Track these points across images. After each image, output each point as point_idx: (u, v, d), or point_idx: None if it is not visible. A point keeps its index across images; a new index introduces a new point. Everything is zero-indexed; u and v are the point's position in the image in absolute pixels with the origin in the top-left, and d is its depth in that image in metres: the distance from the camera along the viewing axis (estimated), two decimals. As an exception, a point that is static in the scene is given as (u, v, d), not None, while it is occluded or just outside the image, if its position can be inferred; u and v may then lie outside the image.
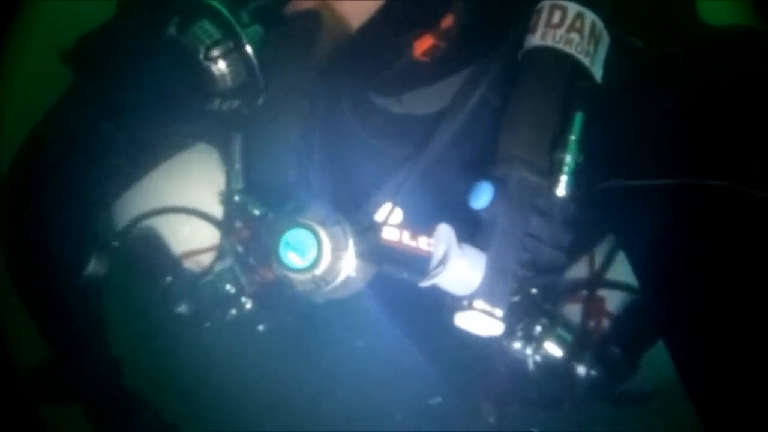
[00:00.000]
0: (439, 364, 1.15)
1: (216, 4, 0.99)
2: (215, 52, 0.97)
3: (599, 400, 1.10)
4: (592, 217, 0.98)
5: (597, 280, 1.06)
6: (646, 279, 0.92)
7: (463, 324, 0.92)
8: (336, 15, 0.99)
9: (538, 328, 1.00)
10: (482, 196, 0.91)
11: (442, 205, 0.97)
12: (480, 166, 0.94)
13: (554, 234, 0.91)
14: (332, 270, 0.98)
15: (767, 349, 0.78)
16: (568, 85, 0.89)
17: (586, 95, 0.90)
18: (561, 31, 0.89)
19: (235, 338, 1.24)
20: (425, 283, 0.93)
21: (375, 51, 0.98)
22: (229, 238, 1.19)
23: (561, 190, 0.90)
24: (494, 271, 0.89)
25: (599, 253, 1.08)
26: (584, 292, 1.07)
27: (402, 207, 1.04)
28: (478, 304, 0.91)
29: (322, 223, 0.98)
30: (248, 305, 1.20)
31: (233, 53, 0.98)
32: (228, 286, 1.20)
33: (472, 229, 0.93)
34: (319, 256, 0.96)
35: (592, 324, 1.05)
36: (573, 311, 1.08)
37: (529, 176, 0.89)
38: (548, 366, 1.02)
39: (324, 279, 0.98)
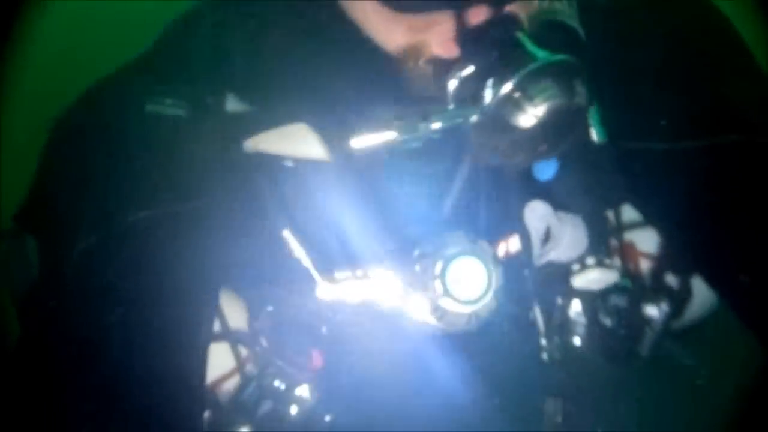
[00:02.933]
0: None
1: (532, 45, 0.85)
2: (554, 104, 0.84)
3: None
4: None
5: (618, 227, 1.09)
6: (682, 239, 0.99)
7: (581, 284, 1.00)
8: None
9: None
10: (548, 166, 0.99)
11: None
12: None
13: (612, 182, 1.01)
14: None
15: None
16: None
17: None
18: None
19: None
20: (541, 262, 0.99)
21: None
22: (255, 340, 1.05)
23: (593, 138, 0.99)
24: (594, 228, 1.00)
25: None
26: (613, 241, 1.10)
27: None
28: (590, 260, 1.00)
29: (474, 244, 0.95)
30: (306, 394, 1.05)
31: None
32: (276, 383, 1.04)
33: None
34: (491, 276, 0.93)
35: (631, 266, 1.10)
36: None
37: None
38: (618, 319, 1.03)
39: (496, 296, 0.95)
